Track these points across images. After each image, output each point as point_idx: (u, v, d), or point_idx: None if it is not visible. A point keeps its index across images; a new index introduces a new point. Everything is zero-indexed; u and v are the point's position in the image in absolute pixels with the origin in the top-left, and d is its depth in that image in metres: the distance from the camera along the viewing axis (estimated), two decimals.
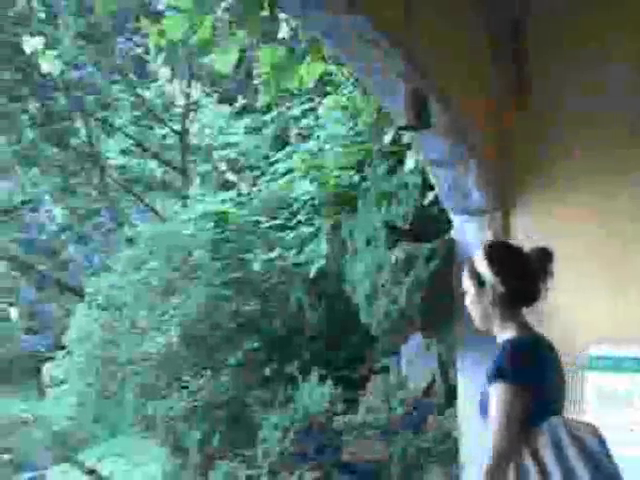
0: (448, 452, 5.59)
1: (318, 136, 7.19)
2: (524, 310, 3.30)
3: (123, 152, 13.36)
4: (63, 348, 8.00)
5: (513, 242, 3.68)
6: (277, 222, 7.05)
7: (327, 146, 6.95)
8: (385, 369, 6.44)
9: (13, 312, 18.75)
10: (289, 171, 7.33)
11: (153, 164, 13.61)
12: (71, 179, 14.08)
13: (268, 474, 6.40)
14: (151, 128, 13.21)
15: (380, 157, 6.23)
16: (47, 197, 15.84)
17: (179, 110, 12.56)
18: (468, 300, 3.38)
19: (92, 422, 8.98)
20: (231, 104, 11.72)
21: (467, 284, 3.38)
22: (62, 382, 8.32)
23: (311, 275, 6.45)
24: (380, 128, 5.98)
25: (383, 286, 5.70)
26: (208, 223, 7.10)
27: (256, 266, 6.71)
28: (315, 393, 6.37)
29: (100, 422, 9.22)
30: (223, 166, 10.02)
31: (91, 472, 11.51)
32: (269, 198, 7.34)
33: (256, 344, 6.82)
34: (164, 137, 13.12)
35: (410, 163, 5.62)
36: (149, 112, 12.85)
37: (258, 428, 6.61)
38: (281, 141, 8.43)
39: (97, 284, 7.70)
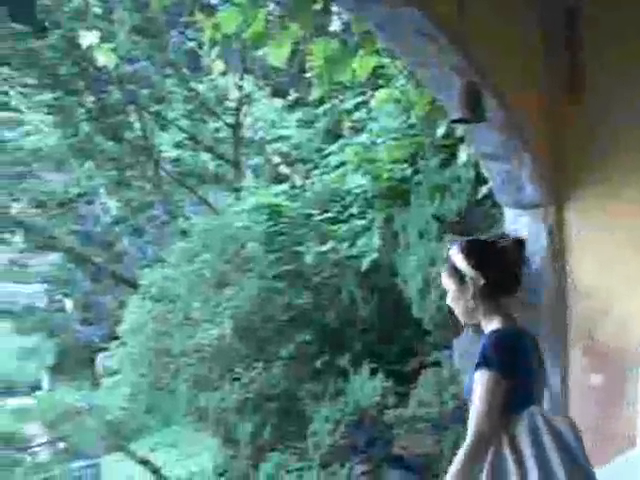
0: None
1: (371, 129, 7.16)
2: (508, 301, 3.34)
3: (176, 145, 13.45)
4: (117, 339, 8.08)
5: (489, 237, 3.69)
6: (329, 215, 7.04)
7: (380, 139, 6.92)
8: (437, 363, 6.40)
9: (68, 303, 18.99)
10: (342, 164, 7.33)
11: (206, 157, 13.68)
12: (125, 172, 14.22)
13: (319, 466, 6.42)
14: (204, 121, 13.28)
15: (433, 150, 6.20)
16: (102, 190, 16.02)
17: (232, 104, 12.63)
18: (450, 298, 3.40)
19: (145, 412, 9.06)
20: (284, 97, 11.75)
21: (447, 282, 3.39)
22: (116, 372, 8.41)
23: (363, 268, 6.44)
24: (433, 121, 5.95)
25: (435, 280, 5.68)
26: (261, 216, 7.11)
27: (308, 259, 6.71)
28: (366, 386, 6.36)
29: (153, 413, 9.30)
30: (276, 159, 10.06)
31: (144, 462, 11.63)
32: (322, 191, 7.34)
33: (308, 337, 6.83)
34: (217, 130, 13.19)
35: (463, 156, 5.59)
36: (202, 105, 12.92)
37: (309, 421, 6.63)
38: (333, 134, 8.42)
39: (151, 276, 7.75)
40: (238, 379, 6.86)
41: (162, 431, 13.70)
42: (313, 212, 7.15)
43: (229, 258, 7.12)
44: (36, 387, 14.34)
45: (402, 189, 6.45)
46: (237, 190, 9.69)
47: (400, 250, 6.06)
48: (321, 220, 7.08)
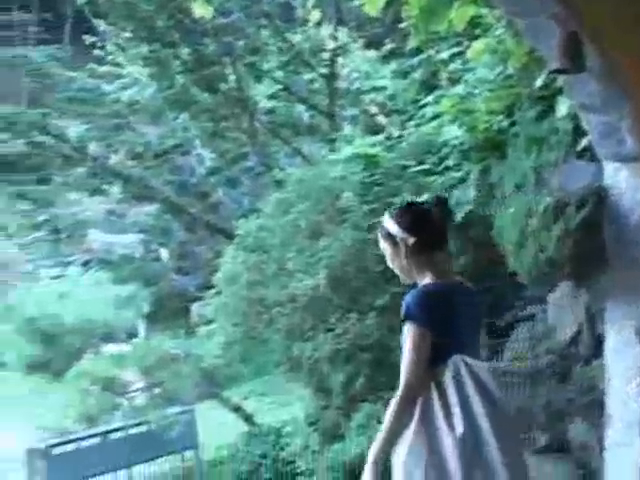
0: (593, 404, 5.50)
1: (467, 80, 7.06)
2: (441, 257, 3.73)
3: (271, 97, 13.49)
4: (212, 289, 8.17)
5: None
6: (425, 167, 6.98)
7: (476, 90, 6.83)
8: (531, 317, 6.34)
9: (164, 253, 19.35)
10: (437, 115, 7.25)
11: (300, 108, 13.70)
12: (220, 123, 14.33)
13: None
14: (299, 72, 13.27)
15: (530, 102, 6.09)
16: (197, 141, 16.21)
17: (327, 54, 12.58)
18: (388, 260, 3.82)
19: (238, 361, 9.18)
20: (378, 49, 11.67)
21: (384, 246, 3.79)
22: (210, 321, 8.53)
23: (458, 220, 6.38)
24: (531, 72, 5.85)
25: (532, 233, 5.61)
26: (356, 166, 7.08)
27: None
28: None
29: (246, 362, 9.43)
30: (371, 110, 10.02)
31: (237, 409, 11.85)
32: (417, 142, 7.27)
33: (401, 288, 6.81)
34: (311, 81, 13.18)
35: (562, 108, 5.47)
36: (297, 57, 12.91)
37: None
38: (429, 85, 8.34)
39: (246, 226, 7.80)
40: (331, 329, 6.89)
41: (254, 380, 13.95)
42: (408, 164, 7.09)
43: (324, 209, 7.11)
44: (133, 334, 14.71)
45: (498, 141, 6.36)
46: (332, 141, 9.68)
47: (496, 202, 5.99)
48: (416, 172, 7.02)
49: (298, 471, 7.35)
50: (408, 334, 3.59)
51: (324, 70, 12.73)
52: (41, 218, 26.69)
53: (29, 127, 18.58)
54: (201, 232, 15.89)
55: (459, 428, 3.53)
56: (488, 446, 3.53)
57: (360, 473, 5.76)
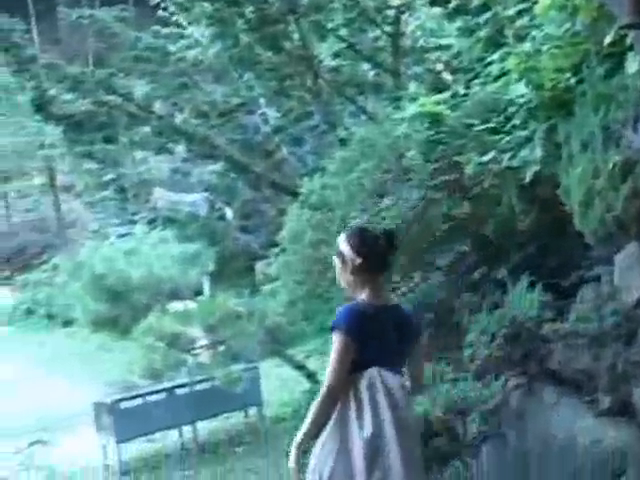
0: None
1: (534, 37, 6.93)
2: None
3: (335, 55, 13.43)
4: (276, 247, 8.21)
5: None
6: (491, 125, 6.89)
7: (543, 47, 6.70)
8: (597, 278, 6.26)
9: (229, 211, 19.48)
10: (503, 73, 7.14)
11: (365, 66, 13.62)
12: (285, 82, 14.33)
13: (473, 377, 6.43)
14: (363, 30, 13.18)
15: (598, 59, 5.98)
16: (261, 100, 16.23)
17: (391, 12, 12.47)
18: (337, 274, 4.60)
19: (302, 319, 9.23)
20: (443, 5, 11.52)
21: (335, 261, 4.57)
22: (274, 280, 8.57)
23: (526, 180, 6.31)
24: (600, 28, 5.74)
25: (599, 192, 5.54)
26: (421, 124, 7.01)
27: (469, 169, 6.60)
28: (524, 299, 6.29)
29: (309, 320, 9.47)
30: (436, 68, 9.92)
31: (300, 367, 11.93)
32: (482, 101, 7.17)
33: (466, 248, 6.78)
34: (376, 39, 13.08)
35: (632, 65, 5.37)
36: (361, 14, 12.81)
37: (465, 332, 6.63)
38: (495, 42, 8.21)
39: (310, 185, 7.79)
40: (395, 289, 6.88)
41: (317, 338, 14.00)
42: (473, 122, 7.01)
43: (388, 167, 7.07)
44: (198, 292, 14.84)
45: (566, 99, 6.25)
46: (396, 99, 9.60)
47: (562, 162, 5.91)
48: (481, 130, 6.93)
49: None
50: (334, 342, 4.26)
51: (389, 28, 12.62)
52: (108, 177, 27.04)
53: (96, 87, 18.76)
54: (265, 190, 15.95)
55: (367, 431, 4.13)
56: (390, 451, 4.12)
57: (422, 432, 5.79)
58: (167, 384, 12.06)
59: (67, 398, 17.75)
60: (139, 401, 12.09)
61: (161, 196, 23.61)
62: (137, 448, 12.72)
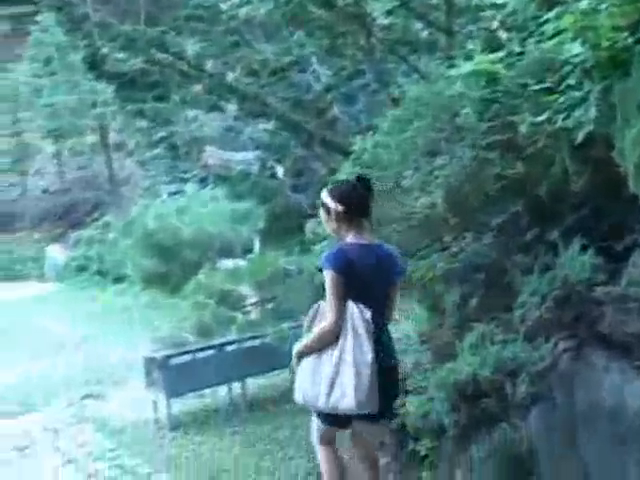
0: None
1: None
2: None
3: (388, 12, 13.28)
4: None
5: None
6: (545, 85, 6.78)
7: (600, 5, 6.57)
8: None
9: (280, 170, 19.47)
10: (559, 32, 7.02)
11: (418, 25, 13.49)
12: (337, 40, 14.24)
13: (523, 339, 6.40)
14: None
15: None
16: (313, 58, 16.15)
17: None
18: (323, 223, 5.45)
19: None
20: None
21: (321, 212, 5.42)
22: (324, 238, 8.55)
23: (578, 140, 6.21)
24: None
25: None
26: (475, 83, 6.92)
27: (522, 129, 6.51)
28: (576, 262, 6.22)
29: None
30: (491, 26, 9.78)
31: None
32: (538, 60, 7.05)
33: (518, 208, 6.72)
34: None
35: None
36: None
37: (516, 293, 6.59)
38: (550, 1, 8.07)
39: (362, 144, 7.73)
40: (447, 248, 6.86)
41: None
42: (528, 81, 6.91)
43: (441, 126, 7.00)
44: (248, 250, 14.91)
45: (622, 59, 6.12)
46: (450, 58, 9.49)
47: (618, 122, 5.81)
48: (536, 90, 6.83)
49: (409, 389, 7.39)
50: (326, 280, 5.03)
51: None
52: (159, 135, 27.16)
53: (148, 45, 18.79)
54: (317, 149, 15.90)
55: (335, 355, 4.98)
56: (346, 375, 4.93)
57: (470, 393, 5.83)
58: (217, 341, 12.18)
59: (118, 353, 18.04)
60: (189, 357, 12.24)
61: (212, 154, 23.67)
62: (186, 403, 12.90)
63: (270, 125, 19.10)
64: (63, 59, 31.45)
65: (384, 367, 5.19)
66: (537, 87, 6.70)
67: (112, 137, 33.10)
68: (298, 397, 5.31)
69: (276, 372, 13.29)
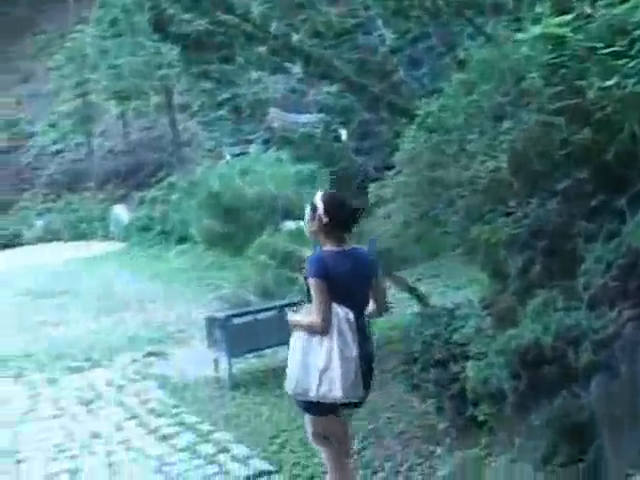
0: None
1: None
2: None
3: None
4: (391, 169, 8.16)
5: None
6: (615, 49, 6.65)
7: None
8: None
9: (344, 133, 19.40)
10: None
11: None
12: (403, 2, 14.08)
13: (586, 307, 6.35)
14: None
15: None
16: (379, 21, 16.01)
17: None
18: (305, 221, 5.95)
19: (414, 242, 9.21)
20: None
21: (307, 211, 5.88)
22: (388, 201, 8.54)
23: None
24: None
25: None
26: (543, 47, 6.80)
27: (590, 94, 6.40)
28: None
29: (421, 243, 9.43)
30: None
31: (410, 289, 11.96)
32: (608, 23, 6.92)
33: (584, 174, 6.62)
34: None
35: None
36: None
37: (580, 260, 6.53)
38: None
39: (427, 107, 7.66)
40: (511, 213, 6.79)
41: (428, 262, 14.00)
42: (598, 45, 6.77)
43: (507, 90, 6.91)
44: None
45: None
46: (517, 20, 9.33)
47: None
48: (605, 54, 6.70)
49: (469, 354, 7.39)
50: (312, 286, 5.59)
51: None
52: (223, 97, 27.21)
53: (213, 6, 18.77)
54: (381, 112, 15.76)
55: (323, 350, 5.55)
56: (334, 368, 5.49)
57: (531, 359, 5.79)
58: (278, 302, 12.26)
59: (180, 313, 18.27)
60: (250, 318, 12.35)
61: (276, 116, 23.66)
62: (247, 363, 13.04)
63: (334, 88, 19.01)
64: (128, 21, 31.58)
65: (366, 358, 5.76)
66: (606, 51, 6.58)
67: (176, 99, 33.24)
68: (289, 389, 5.83)
69: None
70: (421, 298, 11.53)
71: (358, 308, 5.77)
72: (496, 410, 7.13)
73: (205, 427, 10.42)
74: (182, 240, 25.18)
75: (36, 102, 40.52)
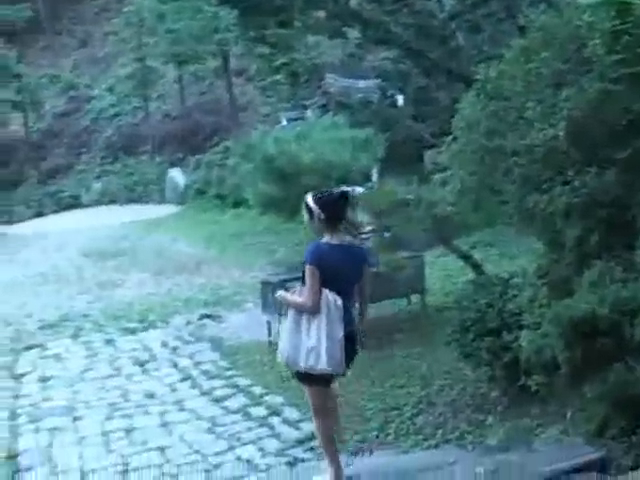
0: None
1: None
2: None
3: None
4: (447, 136, 8.08)
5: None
6: None
7: None
8: None
9: (400, 98, 19.27)
10: None
11: None
12: None
13: None
14: None
15: None
16: None
17: None
18: (306, 222, 6.60)
19: (470, 210, 9.12)
20: None
21: (304, 214, 6.57)
22: (445, 169, 8.47)
23: None
24: None
25: None
26: (606, 13, 6.68)
27: None
28: None
29: (478, 211, 9.34)
30: None
31: (465, 257, 11.90)
32: None
33: None
34: None
35: None
36: None
37: (638, 232, 6.44)
38: None
39: (486, 73, 7.55)
40: (568, 182, 6.69)
41: (484, 230, 13.90)
42: None
43: (568, 57, 6.79)
44: (366, 178, 14.88)
45: None
46: None
47: None
48: None
49: (523, 323, 7.34)
50: (307, 272, 6.25)
51: None
52: (280, 61, 27.15)
53: None
54: (439, 78, 15.63)
55: (312, 328, 6.31)
56: (321, 345, 6.25)
57: (586, 330, 5.74)
58: None
59: (235, 276, 18.37)
60: None
61: (333, 81, 23.56)
62: None
63: (392, 53, 18.87)
64: None
65: (350, 338, 6.42)
66: None
67: (233, 63, 33.20)
68: (282, 359, 6.58)
69: (390, 301, 13.36)
70: (476, 266, 11.46)
71: (346, 295, 6.41)
72: (549, 380, 7.09)
73: (257, 390, 10.51)
74: (237, 204, 25.23)
75: (94, 66, 40.75)
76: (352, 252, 6.51)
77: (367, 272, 6.69)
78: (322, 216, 6.40)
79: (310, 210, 6.49)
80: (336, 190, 6.78)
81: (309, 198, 6.52)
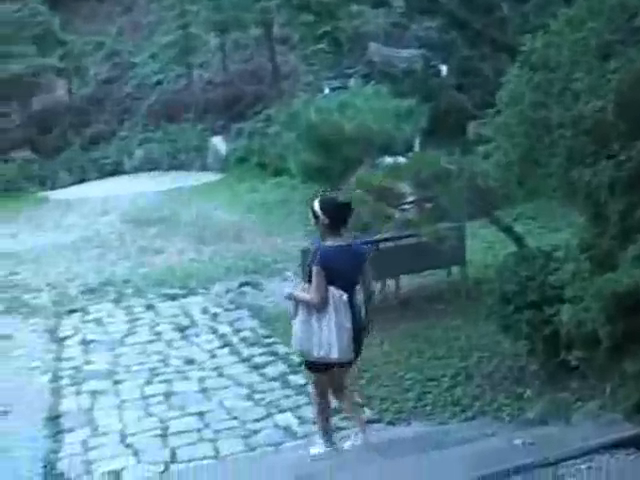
0: None
1: None
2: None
3: None
4: (491, 107, 7.99)
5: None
6: None
7: None
8: None
9: (444, 69, 19.11)
10: None
11: None
12: None
13: None
14: None
15: None
16: None
17: None
18: (313, 225, 7.37)
19: (514, 182, 9.04)
20: None
21: (310, 217, 7.35)
22: (488, 141, 8.39)
23: None
24: None
25: None
26: None
27: None
28: None
29: (521, 183, 9.26)
30: None
31: (507, 230, 11.82)
32: None
33: None
34: None
35: None
36: None
37: None
38: None
39: (532, 43, 7.43)
40: (613, 156, 6.59)
41: (527, 203, 13.80)
42: None
43: (617, 27, 6.66)
44: (409, 148, 14.77)
45: None
46: None
47: None
48: None
49: (565, 297, 7.28)
50: (314, 272, 7.04)
51: None
52: (323, 30, 27.01)
53: None
54: (483, 48, 15.44)
55: (321, 320, 7.10)
56: (330, 335, 7.07)
57: (629, 305, 5.68)
58: (373, 237, 12.23)
59: (275, 244, 18.42)
60: None
61: (376, 50, 23.43)
62: None
63: (436, 22, 18.66)
64: None
65: (356, 329, 7.23)
66: None
67: (276, 31, 33.09)
68: (296, 347, 7.48)
69: (430, 272, 13.33)
70: (517, 239, 11.38)
71: (351, 290, 7.22)
72: (589, 355, 7.04)
73: (296, 358, 10.56)
74: (278, 173, 25.21)
75: (137, 33, 40.79)
76: (353, 252, 7.32)
77: (368, 269, 7.43)
78: (326, 221, 7.17)
79: (316, 215, 7.25)
80: (339, 197, 7.62)
81: (315, 203, 7.26)
